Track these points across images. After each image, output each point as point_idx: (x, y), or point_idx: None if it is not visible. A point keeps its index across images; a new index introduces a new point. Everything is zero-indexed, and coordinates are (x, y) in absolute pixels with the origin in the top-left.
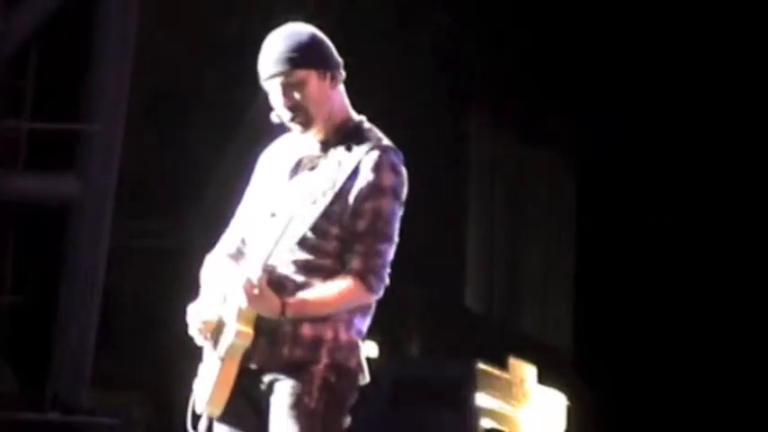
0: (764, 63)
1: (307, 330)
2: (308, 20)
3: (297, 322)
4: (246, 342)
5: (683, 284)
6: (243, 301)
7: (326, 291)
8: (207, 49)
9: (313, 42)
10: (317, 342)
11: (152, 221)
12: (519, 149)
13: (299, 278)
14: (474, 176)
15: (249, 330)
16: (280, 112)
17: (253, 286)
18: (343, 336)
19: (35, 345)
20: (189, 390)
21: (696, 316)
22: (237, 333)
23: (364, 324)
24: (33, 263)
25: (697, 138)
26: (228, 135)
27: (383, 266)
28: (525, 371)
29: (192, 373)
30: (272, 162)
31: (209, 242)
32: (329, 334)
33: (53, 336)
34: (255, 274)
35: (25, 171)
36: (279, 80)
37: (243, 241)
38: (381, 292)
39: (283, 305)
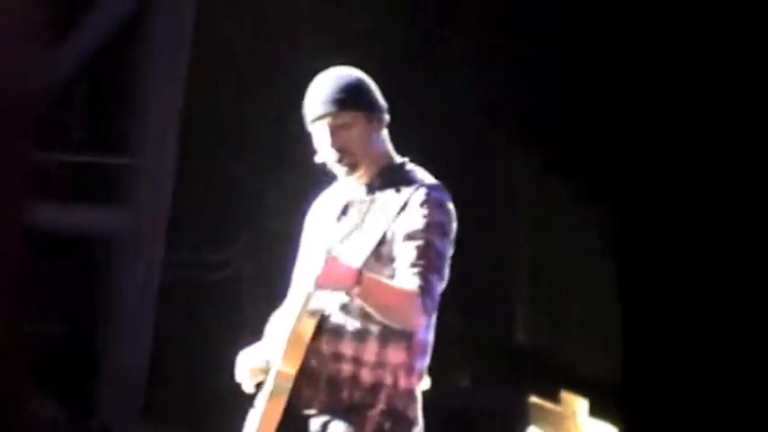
0: None
1: (366, 375)
2: (345, 48)
3: (357, 366)
4: (288, 383)
5: (735, 315)
6: (312, 280)
7: (392, 282)
8: (256, 79)
9: (361, 86)
10: (376, 387)
11: (201, 254)
12: (563, 184)
13: (356, 324)
14: (520, 210)
15: (291, 372)
16: (325, 154)
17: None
18: (402, 383)
19: (84, 377)
20: (236, 424)
21: (754, 346)
22: (278, 374)
23: (424, 364)
24: (82, 295)
25: (742, 160)
26: (278, 167)
27: (435, 295)
28: (577, 404)
29: (240, 408)
30: (318, 216)
31: (258, 275)
32: (389, 380)
33: (102, 368)
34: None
35: (74, 204)
36: (326, 121)
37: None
38: (429, 318)
39: (359, 273)
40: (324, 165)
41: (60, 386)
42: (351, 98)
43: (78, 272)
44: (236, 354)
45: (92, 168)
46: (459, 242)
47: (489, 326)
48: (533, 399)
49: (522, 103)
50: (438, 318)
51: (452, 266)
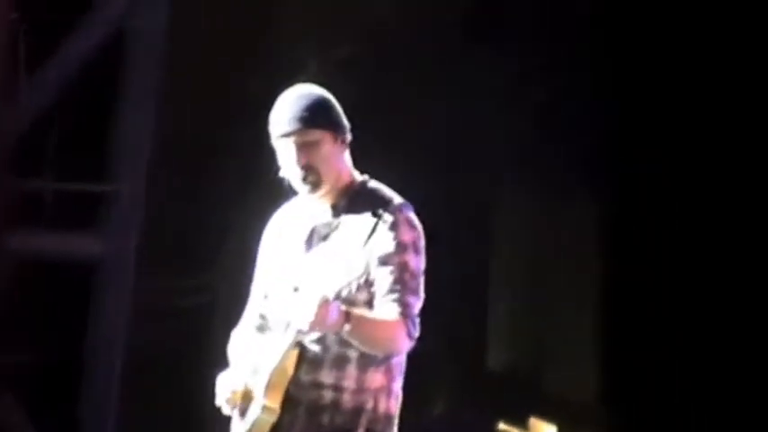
0: None
1: (348, 399)
2: (331, 79)
3: (338, 392)
4: (272, 417)
5: (716, 346)
6: (305, 324)
7: (379, 315)
8: (231, 104)
9: (328, 105)
10: (357, 411)
11: (175, 280)
12: (544, 206)
13: (335, 352)
14: (497, 234)
15: (275, 406)
16: (290, 171)
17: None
18: (382, 406)
19: (60, 405)
20: None
21: (735, 376)
22: (264, 408)
23: (400, 386)
24: (57, 323)
25: (737, 194)
26: (254, 191)
27: (415, 317)
28: (545, 430)
29: None
30: (281, 232)
31: (233, 300)
32: (369, 404)
33: (77, 396)
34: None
35: (48, 230)
36: (293, 138)
37: (263, 317)
38: (413, 342)
39: (347, 313)
40: (287, 181)
41: (37, 413)
42: (318, 116)
43: (53, 299)
44: (209, 379)
45: (67, 195)
46: (431, 266)
47: (462, 351)
48: (502, 425)
49: (499, 120)
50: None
51: (427, 293)
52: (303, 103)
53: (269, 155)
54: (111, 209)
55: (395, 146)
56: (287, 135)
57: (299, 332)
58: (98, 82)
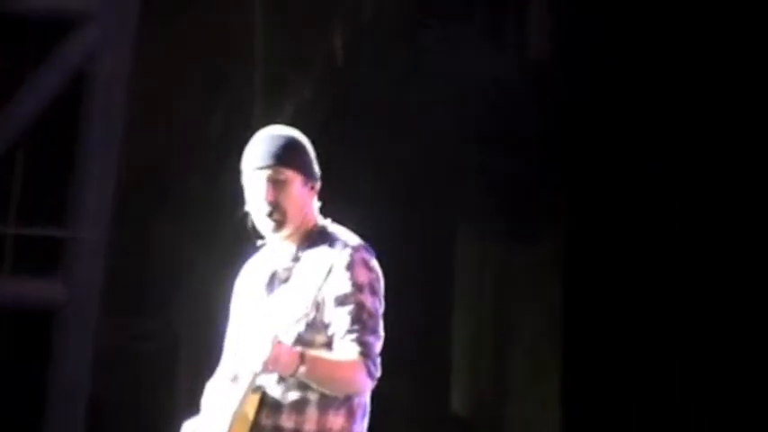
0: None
1: None
2: (290, 124)
3: None
4: None
5: (677, 387)
6: (258, 364)
7: (336, 356)
8: (191, 149)
9: (303, 149)
10: None
11: (141, 324)
12: (505, 248)
13: (295, 395)
14: (460, 277)
15: None
16: (256, 206)
17: (266, 347)
18: None
19: None
20: None
21: (699, 412)
22: None
23: (364, 427)
24: (17, 369)
25: (690, 231)
26: (212, 234)
27: (376, 356)
28: None
29: None
30: (247, 282)
31: (197, 344)
32: None
33: None
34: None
35: (9, 276)
36: (266, 173)
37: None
38: (375, 381)
39: (301, 355)
40: (251, 220)
41: None
42: (293, 157)
43: (13, 344)
44: (172, 424)
45: (28, 240)
46: (396, 310)
47: (425, 393)
48: None
49: (465, 170)
50: (375, 386)
51: (390, 335)
52: (280, 142)
53: (231, 200)
54: (73, 254)
55: (353, 186)
56: (260, 168)
57: (255, 374)
58: (59, 127)
